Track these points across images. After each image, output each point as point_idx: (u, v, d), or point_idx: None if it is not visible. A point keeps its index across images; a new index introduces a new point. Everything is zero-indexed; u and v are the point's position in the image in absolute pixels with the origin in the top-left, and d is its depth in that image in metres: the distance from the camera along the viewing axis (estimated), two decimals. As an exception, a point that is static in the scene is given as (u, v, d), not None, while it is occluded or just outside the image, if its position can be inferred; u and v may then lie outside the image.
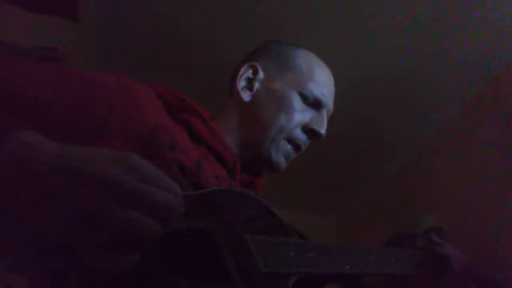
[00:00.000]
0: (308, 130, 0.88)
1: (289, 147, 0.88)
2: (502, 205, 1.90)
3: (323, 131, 0.89)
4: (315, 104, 0.89)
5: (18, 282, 0.41)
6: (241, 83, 0.90)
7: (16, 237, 0.42)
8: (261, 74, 0.90)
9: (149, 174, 0.45)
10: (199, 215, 0.59)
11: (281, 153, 0.87)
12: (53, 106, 0.64)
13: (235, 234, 0.59)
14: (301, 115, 0.87)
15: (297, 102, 0.87)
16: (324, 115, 0.90)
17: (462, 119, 2.38)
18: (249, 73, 0.91)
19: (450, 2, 1.87)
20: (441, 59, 2.14)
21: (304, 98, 0.88)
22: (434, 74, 2.23)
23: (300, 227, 0.72)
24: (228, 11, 2.01)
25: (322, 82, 0.91)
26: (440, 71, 2.21)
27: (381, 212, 2.88)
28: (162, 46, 2.20)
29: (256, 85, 0.90)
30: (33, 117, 0.61)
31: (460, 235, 2.05)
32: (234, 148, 0.86)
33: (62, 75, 0.69)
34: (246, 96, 0.89)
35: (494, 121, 2.12)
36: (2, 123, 0.47)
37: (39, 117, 0.62)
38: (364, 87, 2.34)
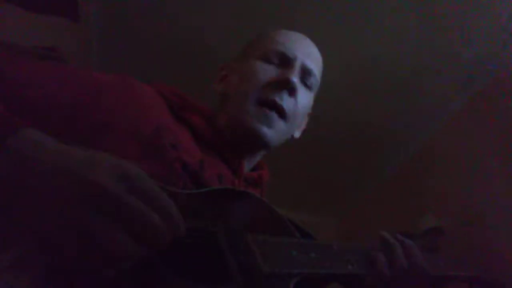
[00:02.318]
0: (274, 82, 0.81)
1: (262, 109, 0.80)
2: (502, 204, 1.90)
3: (290, 76, 0.80)
4: (282, 61, 0.83)
5: (19, 282, 0.41)
6: (216, 83, 0.92)
7: (17, 235, 0.42)
8: (229, 67, 0.92)
9: (144, 188, 0.44)
10: (200, 214, 0.58)
11: (255, 118, 0.79)
12: (56, 106, 0.64)
13: (237, 234, 0.59)
14: (264, 74, 0.81)
15: (258, 66, 0.83)
16: (294, 66, 0.83)
17: (462, 119, 2.38)
18: (222, 73, 0.92)
19: (451, 2, 1.88)
20: (441, 59, 2.14)
21: (267, 60, 0.83)
22: (434, 74, 2.23)
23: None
24: (228, 10, 2.01)
25: (284, 38, 0.87)
26: (440, 71, 2.21)
27: (381, 212, 2.88)
28: (163, 45, 2.20)
29: (226, 76, 0.91)
30: (37, 116, 0.61)
31: (460, 235, 2.05)
32: (232, 140, 0.83)
33: (65, 74, 0.69)
34: (220, 87, 0.90)
35: (494, 121, 2.12)
36: (6, 121, 0.46)
37: (42, 116, 0.61)
38: (364, 87, 2.34)
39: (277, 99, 0.80)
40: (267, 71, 0.82)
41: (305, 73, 0.85)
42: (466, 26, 1.97)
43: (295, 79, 0.81)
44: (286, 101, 0.81)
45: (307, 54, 0.86)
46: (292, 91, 0.81)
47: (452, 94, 2.33)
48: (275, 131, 0.81)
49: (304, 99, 0.85)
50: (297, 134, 0.93)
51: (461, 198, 2.19)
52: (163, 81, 0.89)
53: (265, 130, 0.79)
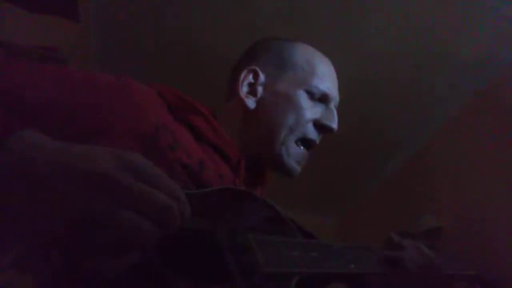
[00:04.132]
0: (319, 126, 0.86)
1: (301, 149, 0.85)
2: (502, 205, 1.90)
3: (335, 125, 0.87)
4: (322, 98, 0.88)
5: (20, 281, 0.41)
6: (244, 90, 0.87)
7: (18, 235, 0.42)
8: (262, 78, 0.88)
9: (149, 173, 0.44)
10: (201, 214, 0.58)
11: (293, 156, 0.84)
12: (54, 107, 0.64)
13: (238, 234, 0.59)
14: (310, 111, 0.85)
15: (304, 100, 0.85)
16: (333, 109, 0.89)
17: (462, 119, 2.38)
18: (250, 77, 0.88)
19: (450, 2, 1.88)
20: (441, 59, 2.14)
21: (311, 94, 0.86)
22: (434, 74, 2.23)
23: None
24: (228, 10, 2.01)
25: (326, 75, 0.89)
26: (440, 71, 2.21)
27: (381, 212, 2.88)
28: (162, 45, 2.20)
29: (259, 89, 0.87)
30: (35, 118, 0.61)
31: (460, 235, 2.05)
32: (239, 149, 0.84)
33: (63, 76, 0.69)
34: (251, 102, 0.86)
35: (494, 121, 2.12)
36: (4, 123, 0.46)
37: (41, 118, 0.61)
38: (364, 87, 2.34)
39: (317, 140, 0.87)
40: (312, 109, 0.86)
41: None
42: (466, 27, 1.97)
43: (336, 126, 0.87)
44: (318, 140, 0.88)
45: (337, 91, 0.92)
46: (328, 133, 0.88)
47: (452, 94, 2.33)
48: (302, 167, 0.88)
49: None
50: None
51: (461, 198, 2.19)
52: (162, 81, 0.89)
53: (297, 168, 0.86)
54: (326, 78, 0.89)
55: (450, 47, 2.08)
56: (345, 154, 2.78)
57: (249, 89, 0.87)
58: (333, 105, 0.89)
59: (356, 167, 2.91)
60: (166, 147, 0.70)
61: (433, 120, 2.50)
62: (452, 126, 2.45)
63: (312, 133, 0.86)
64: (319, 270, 0.64)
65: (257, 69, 0.88)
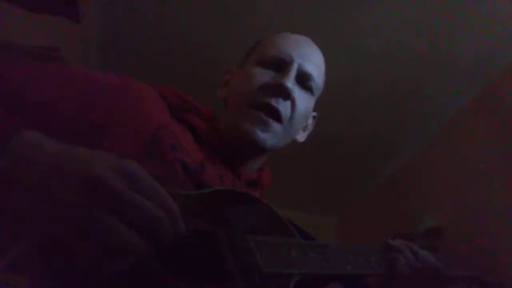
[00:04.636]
0: (268, 87, 0.81)
1: (258, 113, 0.80)
2: (502, 205, 1.90)
3: (282, 81, 0.80)
4: (279, 65, 0.83)
5: (18, 282, 0.41)
6: (221, 88, 0.93)
7: (16, 236, 0.42)
8: (234, 71, 0.93)
9: (143, 183, 0.44)
10: (200, 215, 0.59)
11: (250, 121, 0.79)
12: (56, 107, 0.64)
13: (237, 234, 0.59)
14: (260, 77, 0.82)
15: (255, 70, 0.84)
16: (290, 69, 0.82)
17: (462, 119, 2.38)
18: (225, 78, 0.94)
19: (449, 2, 1.87)
20: (440, 60, 2.14)
21: (263, 63, 0.84)
22: (434, 75, 2.23)
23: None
24: (227, 12, 2.02)
25: (280, 41, 0.87)
26: (439, 72, 2.21)
27: (381, 212, 2.88)
28: (163, 46, 2.20)
29: (231, 81, 0.92)
30: (36, 118, 0.61)
31: (460, 235, 2.05)
32: (232, 145, 0.84)
33: (65, 75, 0.69)
34: (224, 92, 0.91)
35: (494, 122, 2.12)
36: (6, 124, 0.47)
37: (43, 117, 0.62)
38: (365, 88, 2.34)
39: (271, 102, 0.80)
40: (263, 75, 0.82)
41: (304, 77, 0.85)
42: (465, 27, 1.97)
43: (289, 83, 0.80)
44: (281, 105, 0.81)
45: (306, 57, 0.86)
46: (286, 96, 0.81)
47: (452, 95, 2.33)
48: (270, 135, 0.81)
49: (303, 102, 0.85)
50: (300, 138, 0.93)
51: (461, 198, 2.19)
52: (163, 81, 0.89)
53: (260, 133, 0.79)
54: (280, 43, 0.86)
55: (450, 48, 2.07)
56: (345, 154, 2.78)
57: (226, 84, 0.93)
58: (294, 67, 0.83)
59: (356, 167, 2.90)
60: (168, 147, 0.70)
61: (432, 121, 2.50)
62: (451, 126, 2.45)
63: (262, 97, 0.80)
64: (317, 271, 0.64)
65: (231, 66, 0.95)
